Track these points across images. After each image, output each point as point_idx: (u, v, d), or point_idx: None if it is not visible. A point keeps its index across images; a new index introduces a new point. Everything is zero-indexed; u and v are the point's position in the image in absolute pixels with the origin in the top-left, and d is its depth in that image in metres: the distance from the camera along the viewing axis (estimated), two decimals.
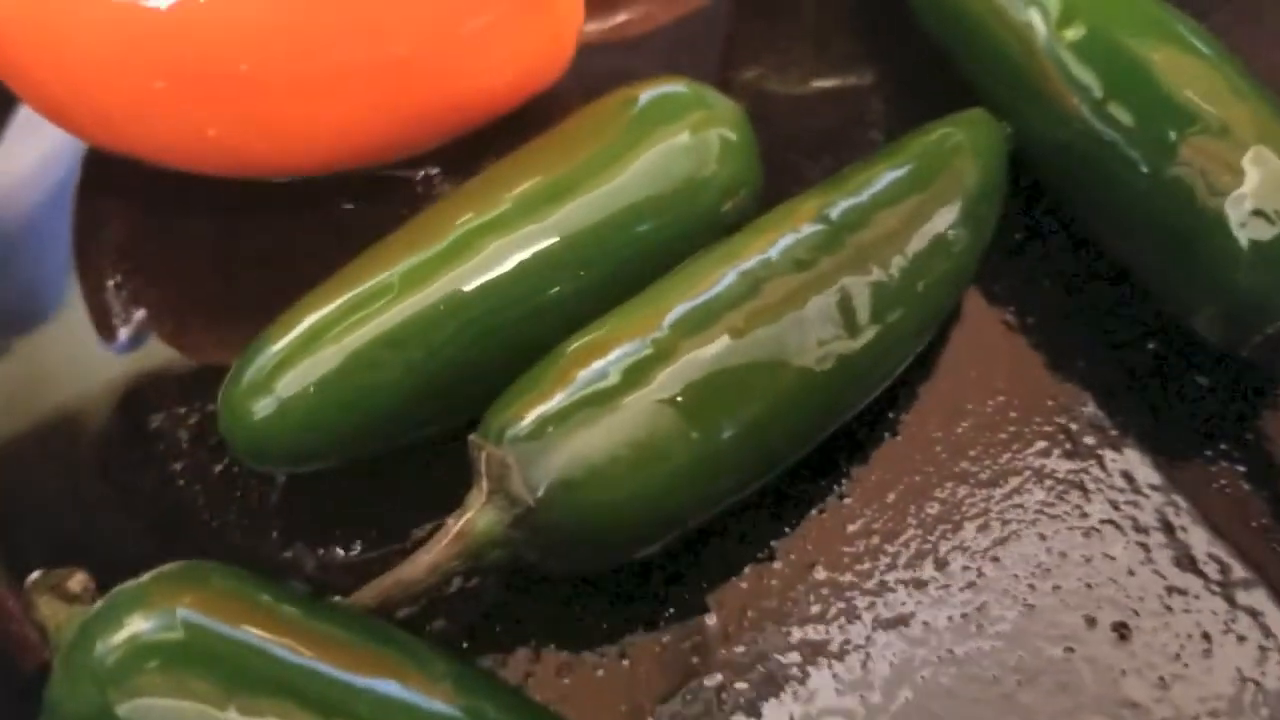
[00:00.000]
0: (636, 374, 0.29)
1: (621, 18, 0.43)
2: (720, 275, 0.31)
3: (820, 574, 0.32)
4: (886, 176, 0.34)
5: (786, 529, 0.33)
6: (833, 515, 0.33)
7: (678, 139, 0.33)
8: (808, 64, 0.43)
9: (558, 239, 0.32)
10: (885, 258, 0.32)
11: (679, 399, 0.29)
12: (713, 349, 0.30)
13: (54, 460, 0.35)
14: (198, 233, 0.38)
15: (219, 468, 0.34)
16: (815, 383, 0.31)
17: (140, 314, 0.37)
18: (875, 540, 0.33)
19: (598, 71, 0.38)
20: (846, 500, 0.33)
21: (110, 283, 0.37)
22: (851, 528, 0.33)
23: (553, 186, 0.32)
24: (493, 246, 0.31)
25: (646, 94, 0.34)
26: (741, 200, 0.34)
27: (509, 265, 0.31)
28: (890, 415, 0.35)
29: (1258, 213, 0.32)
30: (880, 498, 0.33)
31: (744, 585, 0.32)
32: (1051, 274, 0.37)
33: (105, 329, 0.37)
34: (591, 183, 0.32)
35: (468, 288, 0.31)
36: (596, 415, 0.29)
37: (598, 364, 0.29)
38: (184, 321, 0.37)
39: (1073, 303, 0.37)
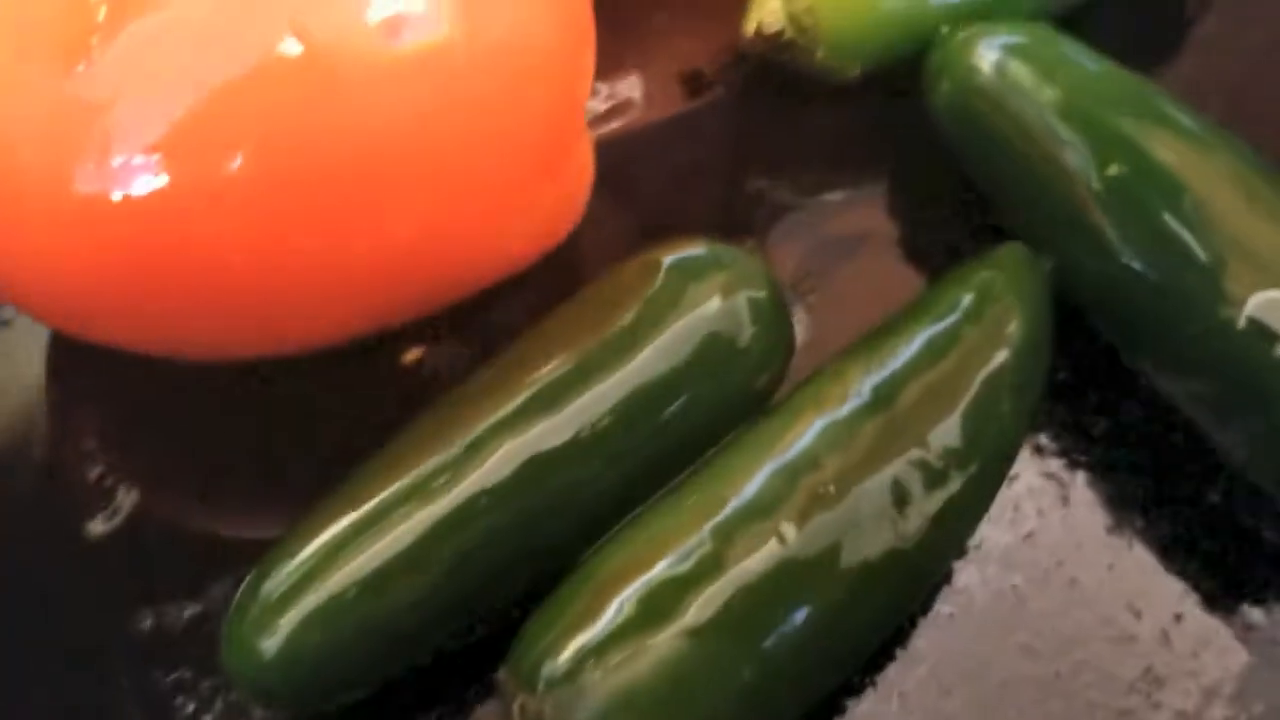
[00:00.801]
0: (679, 596, 0.27)
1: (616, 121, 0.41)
2: (759, 469, 0.29)
3: None
4: (923, 335, 0.32)
5: None
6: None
7: (704, 314, 0.31)
8: (822, 173, 0.40)
9: (582, 432, 0.29)
10: (932, 433, 0.30)
11: (727, 620, 0.27)
12: (759, 560, 0.27)
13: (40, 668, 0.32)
14: (183, 411, 0.35)
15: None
16: (870, 585, 0.28)
17: (126, 504, 0.34)
18: None
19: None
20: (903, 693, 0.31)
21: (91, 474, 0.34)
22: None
23: (572, 375, 0.30)
24: (512, 445, 0.29)
25: (668, 259, 0.32)
26: (776, 370, 0.32)
27: (531, 466, 0.29)
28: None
29: None
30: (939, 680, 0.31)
31: None
32: (1102, 420, 0.35)
33: (87, 518, 0.34)
34: (614, 367, 0.30)
35: (488, 494, 0.29)
36: (639, 648, 0.26)
37: (637, 584, 0.27)
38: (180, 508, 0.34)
39: (1126, 453, 0.34)
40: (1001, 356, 0.32)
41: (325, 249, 0.29)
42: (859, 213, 0.39)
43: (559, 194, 0.32)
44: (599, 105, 0.41)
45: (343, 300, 0.31)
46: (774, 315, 0.32)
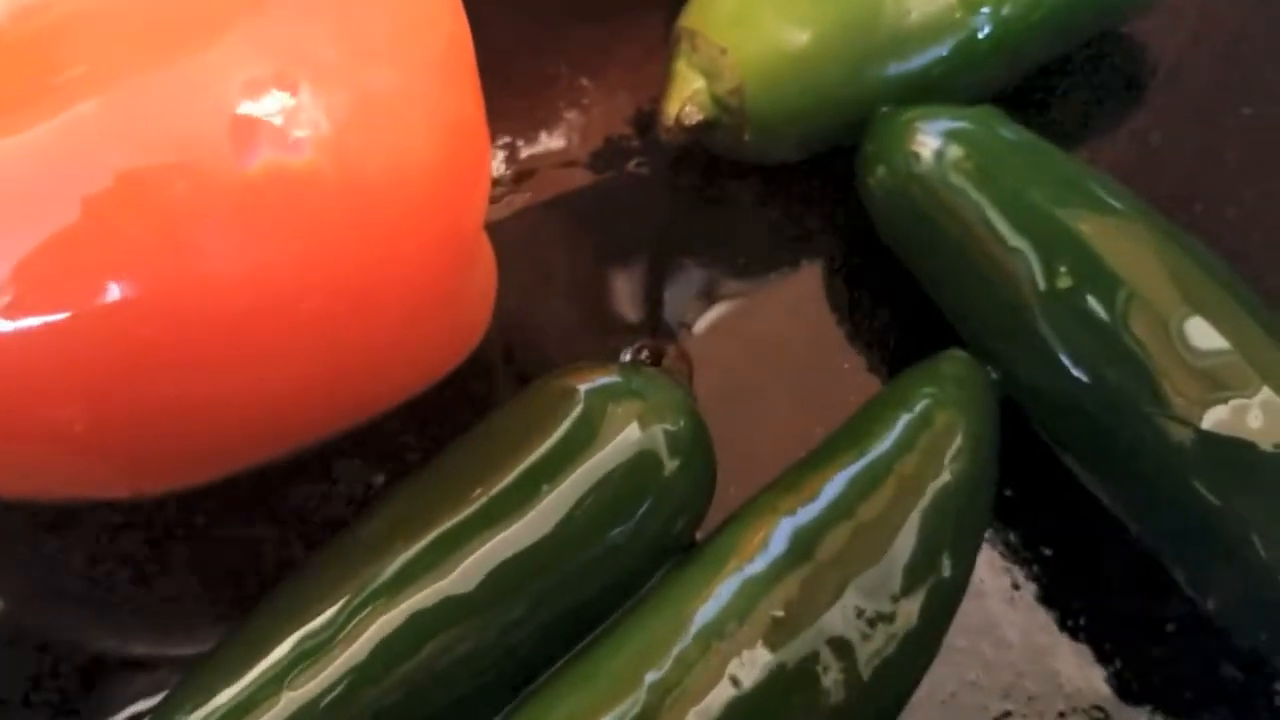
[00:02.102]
0: None
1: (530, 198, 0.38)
2: (678, 635, 0.26)
3: None
4: (855, 468, 0.29)
5: None
6: None
7: (617, 453, 0.28)
8: (755, 260, 0.37)
9: (477, 591, 0.26)
10: (864, 579, 0.27)
11: None
12: None
13: None
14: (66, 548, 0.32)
15: None
16: None
17: None
18: None
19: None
20: None
21: None
22: None
23: (472, 522, 0.27)
24: (391, 613, 0.26)
25: (583, 386, 0.29)
26: (695, 511, 0.29)
27: (415, 631, 0.26)
28: None
29: None
30: None
31: None
32: (1054, 539, 0.33)
33: None
34: (515, 515, 0.27)
35: (359, 670, 0.25)
36: None
37: None
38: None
39: (1079, 575, 0.32)
40: (942, 485, 0.29)
41: (182, 396, 0.26)
42: (794, 308, 0.36)
43: (455, 318, 0.29)
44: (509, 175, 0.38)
45: (212, 442, 0.28)
46: (694, 450, 0.29)
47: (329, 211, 0.24)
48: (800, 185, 0.37)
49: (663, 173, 0.38)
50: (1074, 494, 0.32)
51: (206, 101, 0.24)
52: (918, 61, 0.35)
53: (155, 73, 0.24)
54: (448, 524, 0.27)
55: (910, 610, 0.28)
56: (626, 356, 0.35)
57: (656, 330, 0.36)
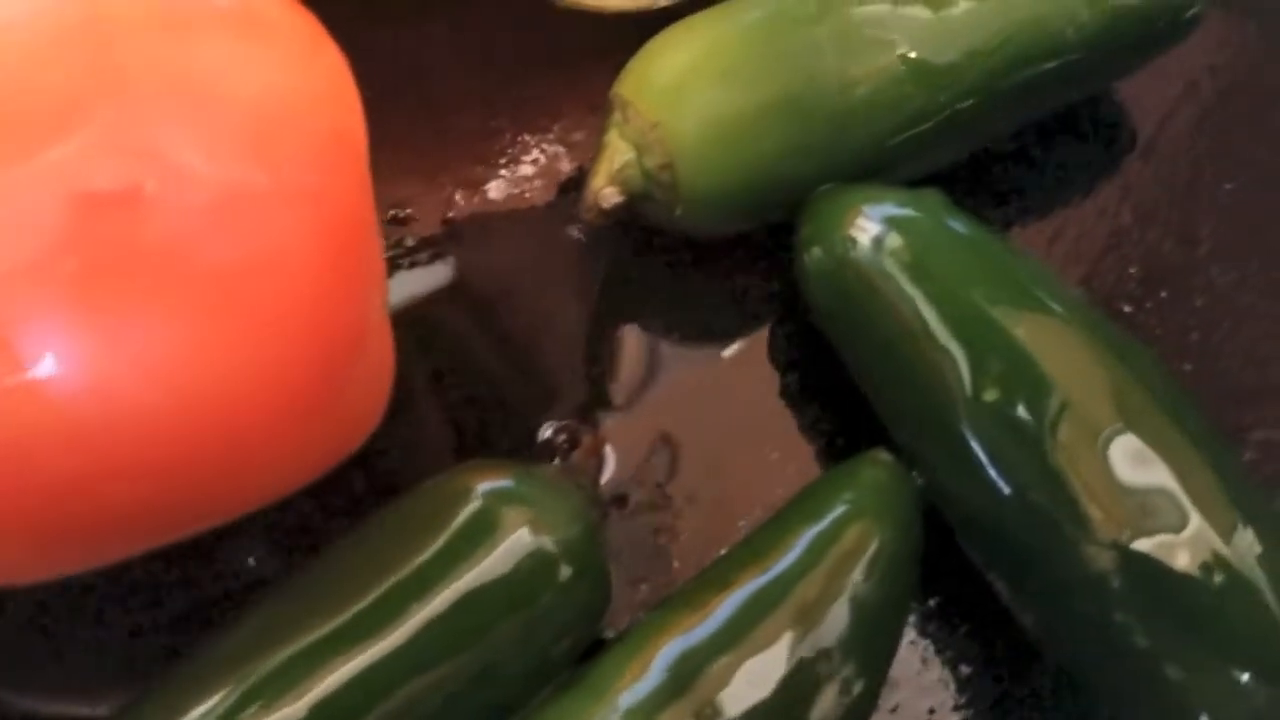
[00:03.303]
0: None
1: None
2: None
3: None
4: (752, 587, 0.28)
5: None
6: None
7: (503, 568, 0.27)
8: (683, 341, 0.36)
9: (352, 700, 0.25)
10: (759, 708, 0.26)
11: None
12: None
13: None
14: None
15: None
16: None
17: None
18: None
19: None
20: None
21: None
22: None
23: (343, 633, 0.26)
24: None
25: (479, 487, 0.28)
26: (581, 632, 0.28)
27: None
28: None
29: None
30: None
31: None
32: (977, 657, 0.31)
33: None
34: (390, 627, 0.26)
35: None
36: None
37: None
38: None
39: (1000, 698, 0.30)
40: (848, 606, 0.28)
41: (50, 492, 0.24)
42: (724, 392, 0.35)
43: (343, 409, 0.28)
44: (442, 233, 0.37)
45: (91, 531, 0.27)
46: (583, 565, 0.28)
47: (181, 315, 0.23)
48: (739, 260, 0.36)
49: (600, 238, 0.37)
50: (1001, 610, 0.30)
51: (45, 203, 0.22)
52: (863, 140, 0.33)
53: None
54: (319, 631, 0.26)
55: None
56: (547, 433, 0.34)
57: (581, 408, 0.34)
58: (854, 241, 0.32)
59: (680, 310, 0.36)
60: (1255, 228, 0.38)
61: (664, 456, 0.33)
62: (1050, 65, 0.35)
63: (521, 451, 0.33)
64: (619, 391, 0.35)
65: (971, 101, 0.34)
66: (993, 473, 0.29)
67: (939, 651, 0.31)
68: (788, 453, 0.34)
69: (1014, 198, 0.38)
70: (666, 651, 0.26)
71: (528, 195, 0.38)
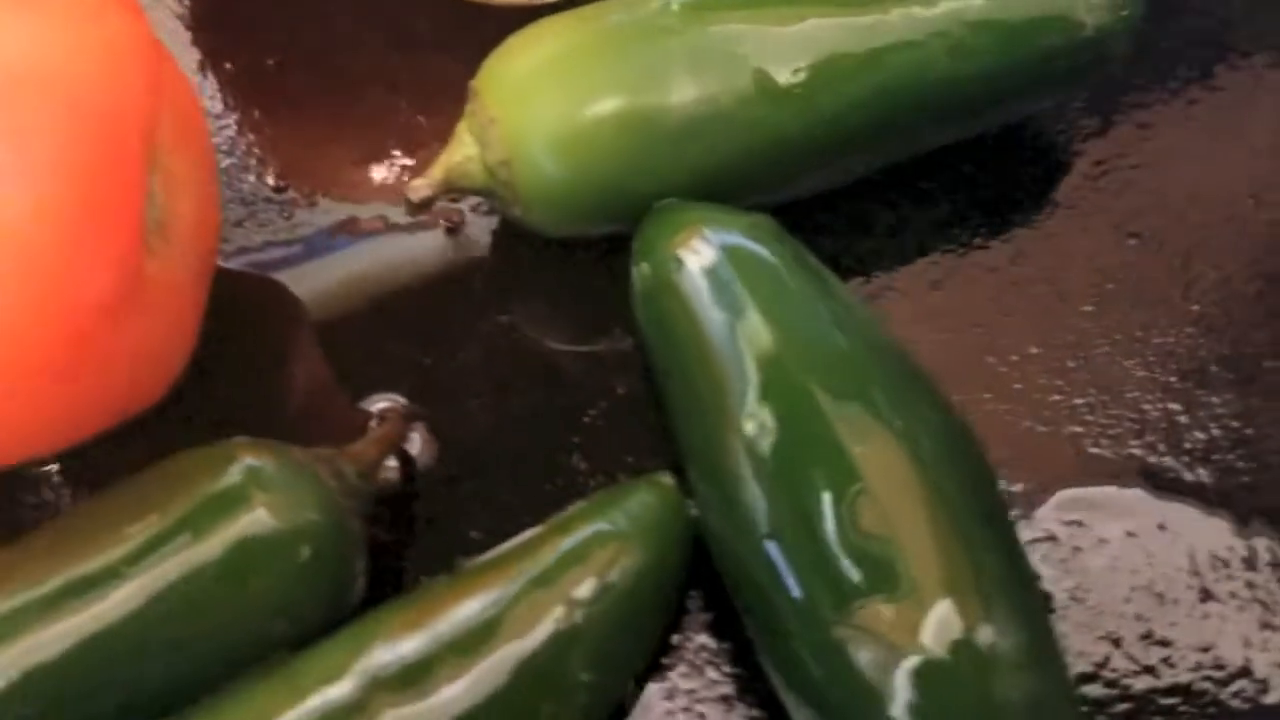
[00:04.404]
0: None
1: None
2: None
3: None
4: (493, 595, 0.27)
5: None
6: None
7: (227, 544, 0.27)
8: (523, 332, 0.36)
9: (64, 662, 0.26)
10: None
11: None
12: None
13: None
14: None
15: None
16: None
17: None
18: None
19: None
20: None
21: None
22: None
23: (64, 586, 0.26)
24: None
25: (235, 463, 0.28)
26: (306, 621, 0.28)
27: None
28: None
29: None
30: None
31: None
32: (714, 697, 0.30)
33: None
34: (116, 587, 0.26)
35: None
36: None
37: None
38: None
39: None
40: (570, 628, 0.27)
41: None
42: (549, 395, 0.34)
43: (111, 371, 0.29)
44: (318, 220, 0.37)
45: None
46: (321, 551, 0.28)
47: None
48: (590, 262, 0.35)
49: (473, 228, 0.37)
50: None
51: None
52: (710, 159, 0.33)
53: None
54: (35, 589, 0.27)
55: None
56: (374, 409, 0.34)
57: (410, 391, 0.35)
58: (677, 261, 0.31)
59: (536, 305, 0.36)
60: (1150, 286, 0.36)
61: (470, 451, 0.33)
62: (926, 96, 0.34)
63: (341, 429, 0.33)
64: (450, 378, 0.35)
65: (829, 129, 0.33)
66: (739, 512, 0.28)
67: (690, 695, 0.30)
68: (596, 464, 0.33)
69: (895, 226, 0.37)
70: (378, 651, 0.27)
71: (406, 178, 0.38)
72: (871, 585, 0.26)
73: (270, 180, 0.38)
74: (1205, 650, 0.31)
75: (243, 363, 0.35)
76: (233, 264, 0.37)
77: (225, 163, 0.38)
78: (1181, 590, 0.32)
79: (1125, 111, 0.39)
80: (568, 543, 0.28)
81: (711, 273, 0.30)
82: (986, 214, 0.37)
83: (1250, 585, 0.32)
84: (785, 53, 0.32)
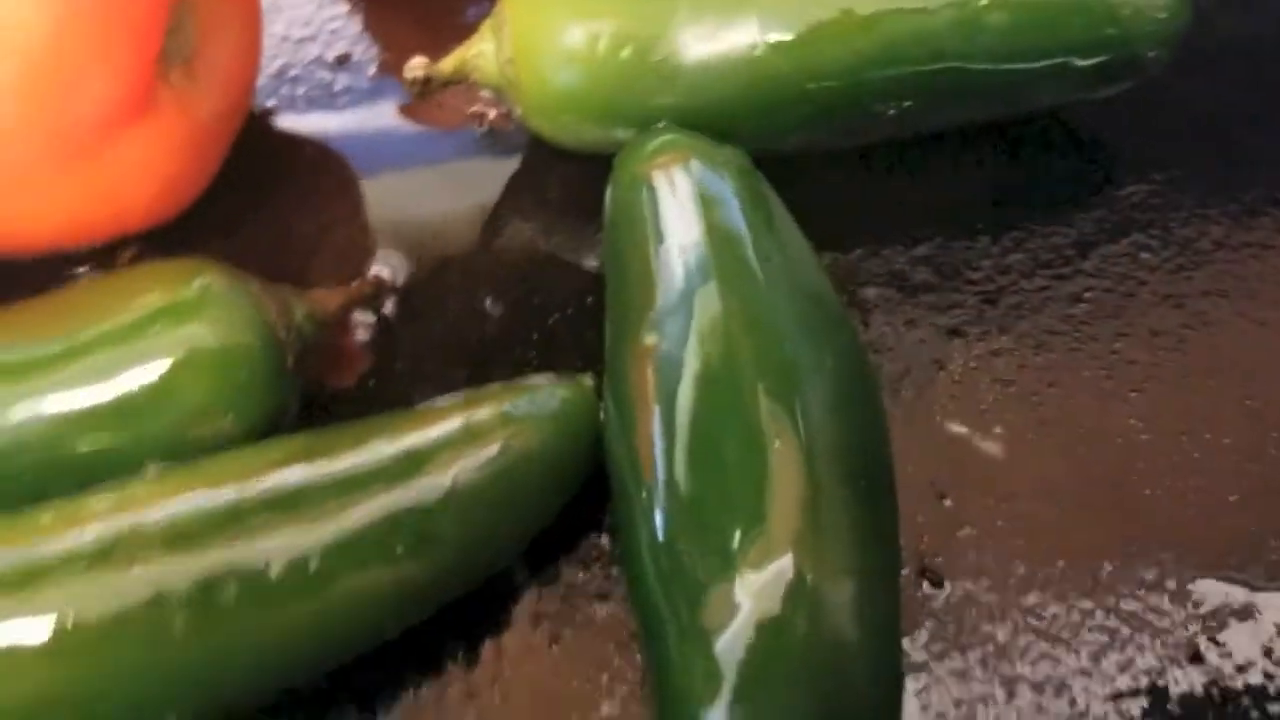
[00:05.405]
0: None
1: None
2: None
3: None
4: (384, 448, 0.29)
5: None
6: None
7: (160, 340, 0.30)
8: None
9: None
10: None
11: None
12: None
13: None
14: None
15: None
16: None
17: None
18: None
19: None
20: None
21: None
22: None
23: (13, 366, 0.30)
24: None
25: (192, 281, 0.31)
26: (222, 425, 0.30)
27: None
28: None
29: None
30: None
31: None
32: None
33: None
34: (47, 371, 0.30)
35: None
36: None
37: None
38: None
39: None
40: (437, 493, 0.29)
41: None
42: (523, 284, 0.36)
43: (105, 180, 0.32)
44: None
45: None
46: (244, 372, 0.30)
47: None
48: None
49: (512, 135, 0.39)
50: None
51: None
52: (702, 89, 0.34)
53: None
54: None
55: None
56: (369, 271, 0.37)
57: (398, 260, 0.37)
58: (642, 181, 0.32)
59: (544, 212, 0.38)
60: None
61: (440, 326, 0.36)
62: (939, 66, 0.34)
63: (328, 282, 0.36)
64: (441, 260, 0.37)
65: (827, 84, 0.34)
66: (623, 419, 0.29)
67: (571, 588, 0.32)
68: (545, 362, 0.35)
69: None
70: (272, 470, 0.29)
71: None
72: (717, 519, 0.27)
73: (332, 55, 0.41)
74: None
75: (257, 203, 0.38)
76: (279, 120, 0.40)
77: (294, 30, 0.41)
78: None
79: None
80: (472, 414, 0.30)
81: (666, 195, 0.31)
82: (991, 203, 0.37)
83: None
84: (791, 3, 0.33)
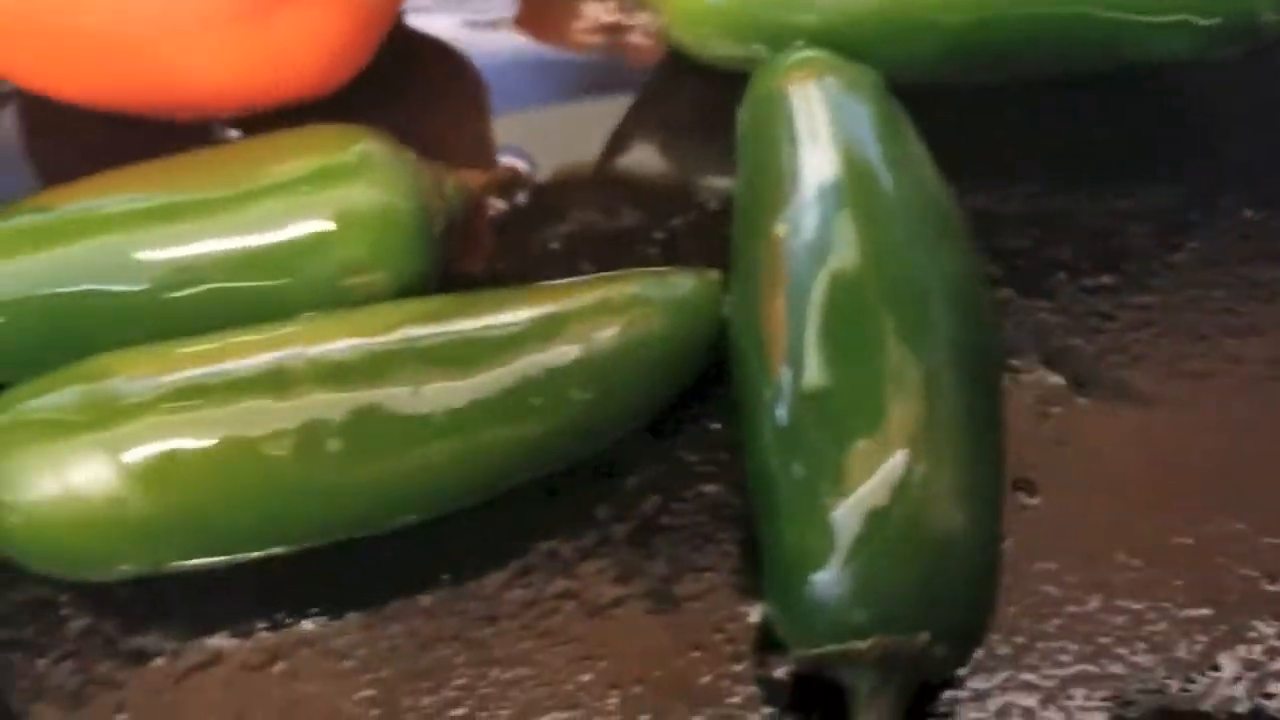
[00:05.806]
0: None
1: None
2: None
3: None
4: (522, 314, 0.31)
5: None
6: None
7: (323, 196, 0.32)
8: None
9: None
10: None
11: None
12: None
13: None
14: None
15: None
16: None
17: None
18: None
19: None
20: None
21: None
22: None
23: (169, 209, 0.32)
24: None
25: (355, 145, 0.33)
26: (373, 280, 0.32)
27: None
28: None
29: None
30: None
31: None
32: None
33: None
34: (215, 214, 0.32)
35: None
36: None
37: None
38: None
39: None
40: (583, 361, 0.31)
41: None
42: (639, 194, 0.38)
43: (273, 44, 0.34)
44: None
45: None
46: (397, 232, 0.32)
47: None
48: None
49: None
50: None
51: None
52: (841, 14, 0.36)
53: None
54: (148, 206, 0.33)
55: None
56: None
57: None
58: (778, 92, 0.34)
59: (674, 125, 0.40)
60: None
61: (569, 219, 0.38)
62: (1069, 10, 0.35)
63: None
64: (572, 163, 0.39)
65: (965, 18, 0.35)
66: (747, 311, 0.31)
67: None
68: (667, 260, 0.37)
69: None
70: (423, 325, 0.31)
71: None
72: (840, 407, 0.28)
73: None
74: None
75: (385, 101, 0.40)
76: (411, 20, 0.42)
77: None
78: None
79: None
80: (604, 293, 0.32)
81: (801, 104, 0.33)
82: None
83: None
84: None
